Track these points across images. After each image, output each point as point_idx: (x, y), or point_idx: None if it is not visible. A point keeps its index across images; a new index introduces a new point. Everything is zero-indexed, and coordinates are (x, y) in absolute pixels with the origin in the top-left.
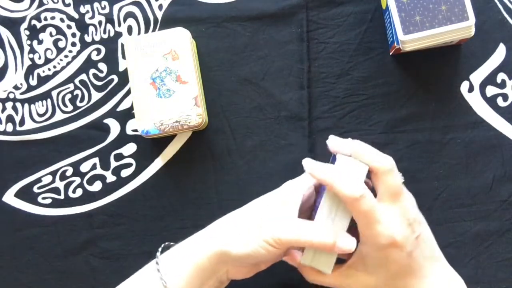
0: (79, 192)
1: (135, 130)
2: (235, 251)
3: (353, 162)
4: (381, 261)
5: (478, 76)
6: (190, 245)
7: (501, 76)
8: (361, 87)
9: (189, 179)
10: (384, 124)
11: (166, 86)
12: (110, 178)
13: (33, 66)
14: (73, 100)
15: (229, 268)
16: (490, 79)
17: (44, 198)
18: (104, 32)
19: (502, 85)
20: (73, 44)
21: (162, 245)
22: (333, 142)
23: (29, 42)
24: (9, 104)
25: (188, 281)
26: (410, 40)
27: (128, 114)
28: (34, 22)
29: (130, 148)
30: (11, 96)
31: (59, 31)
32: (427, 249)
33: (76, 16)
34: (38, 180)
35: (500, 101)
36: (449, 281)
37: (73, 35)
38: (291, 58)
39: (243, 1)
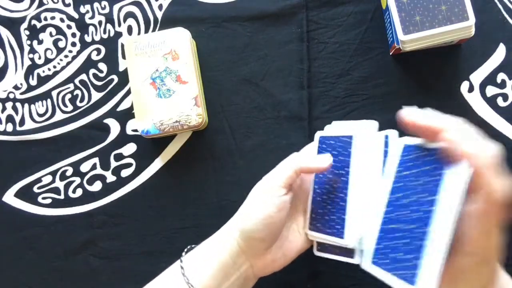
0: (79, 192)
1: (135, 130)
2: (248, 220)
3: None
4: (475, 272)
5: (478, 76)
6: (209, 243)
7: (501, 76)
8: (361, 87)
9: (189, 179)
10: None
11: (166, 86)
12: (110, 178)
13: (33, 66)
14: (73, 100)
15: (251, 261)
16: (490, 79)
17: (44, 198)
18: (104, 32)
19: (502, 85)
20: (73, 44)
21: (185, 249)
22: (418, 116)
23: (29, 42)
24: (9, 104)
25: (212, 279)
26: (410, 40)
27: (128, 114)
28: (34, 22)
29: (130, 148)
30: (11, 96)
31: (59, 31)
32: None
33: (76, 16)
34: (38, 180)
35: (500, 101)
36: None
37: (73, 35)
38: (291, 58)
39: (243, 1)
